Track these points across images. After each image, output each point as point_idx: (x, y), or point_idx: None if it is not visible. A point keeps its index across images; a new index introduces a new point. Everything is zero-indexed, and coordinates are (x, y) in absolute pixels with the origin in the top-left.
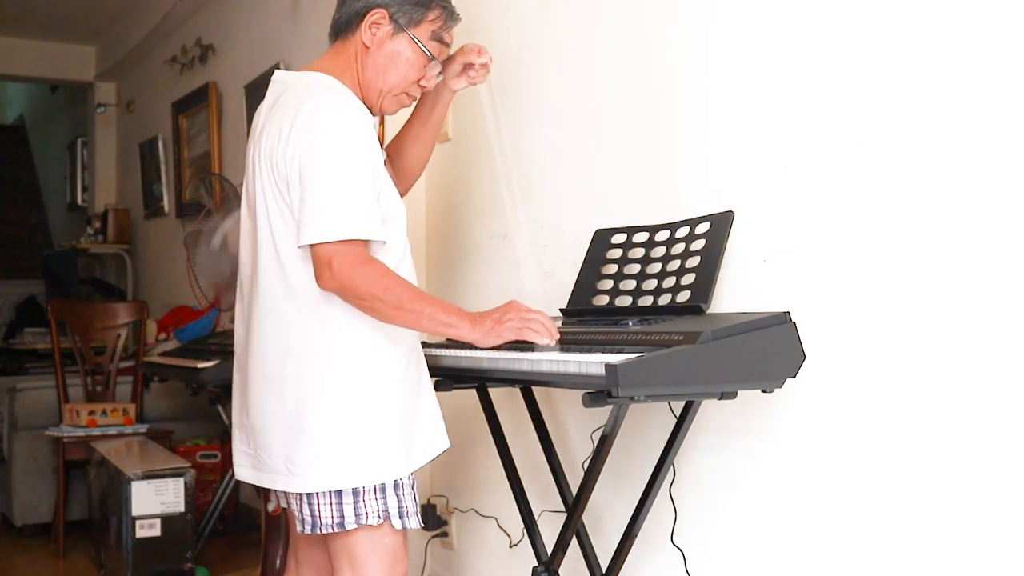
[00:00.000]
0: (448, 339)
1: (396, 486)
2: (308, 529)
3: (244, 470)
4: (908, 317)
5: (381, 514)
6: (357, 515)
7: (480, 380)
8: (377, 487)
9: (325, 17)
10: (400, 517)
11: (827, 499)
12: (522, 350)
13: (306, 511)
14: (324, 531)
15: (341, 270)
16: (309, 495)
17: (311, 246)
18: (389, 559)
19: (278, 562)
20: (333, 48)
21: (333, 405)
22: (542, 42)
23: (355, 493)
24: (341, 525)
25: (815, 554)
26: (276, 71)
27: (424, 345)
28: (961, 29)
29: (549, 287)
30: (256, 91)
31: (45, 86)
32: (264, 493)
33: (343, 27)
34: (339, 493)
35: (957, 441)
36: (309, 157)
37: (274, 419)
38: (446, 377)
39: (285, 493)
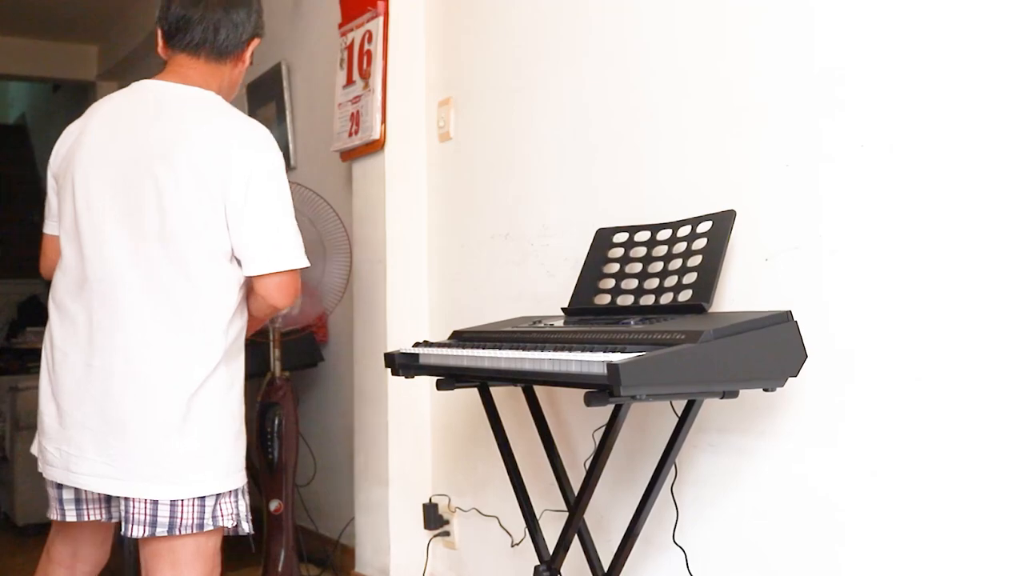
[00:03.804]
0: (449, 338)
1: (243, 492)
2: (163, 531)
3: (92, 479)
4: (910, 315)
5: (234, 517)
6: (214, 517)
7: (482, 379)
8: (232, 492)
9: (326, 17)
10: (246, 521)
11: (829, 498)
12: (525, 349)
13: (164, 514)
14: (183, 531)
15: (294, 289)
16: (173, 500)
17: (272, 271)
18: (212, 562)
19: (280, 562)
20: (207, 67)
21: (210, 415)
22: (545, 41)
23: (217, 497)
24: (200, 527)
25: (817, 553)
26: (141, 81)
27: (426, 344)
28: (962, 29)
29: (551, 286)
30: (258, 91)
31: (47, 86)
32: (267, 493)
33: (227, 51)
34: (203, 498)
35: (959, 439)
36: (260, 183)
37: (153, 427)
38: (448, 376)
39: (125, 499)
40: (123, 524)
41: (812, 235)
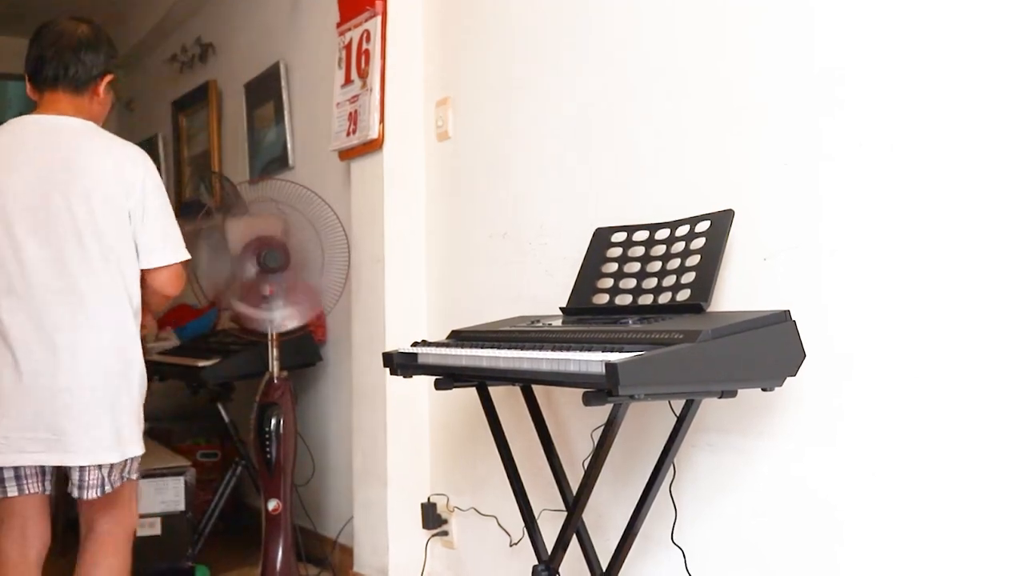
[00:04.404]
0: (447, 338)
1: None
2: (109, 489)
3: (40, 455)
4: (908, 315)
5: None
6: (136, 471)
7: (480, 379)
8: None
9: (324, 16)
10: None
11: (828, 498)
12: (523, 348)
13: (111, 480)
14: (116, 484)
15: (183, 279)
16: (124, 461)
17: (168, 263)
18: (135, 502)
19: (278, 562)
20: (70, 99)
21: (134, 390)
22: (543, 41)
23: (135, 457)
24: (124, 478)
25: (815, 553)
26: (19, 118)
27: (424, 344)
28: (962, 29)
29: (549, 286)
30: (256, 89)
31: None
32: (265, 493)
33: (82, 84)
34: (134, 457)
35: (958, 439)
36: (151, 192)
37: (100, 405)
38: (446, 376)
39: (80, 468)
40: (77, 490)
41: (811, 235)
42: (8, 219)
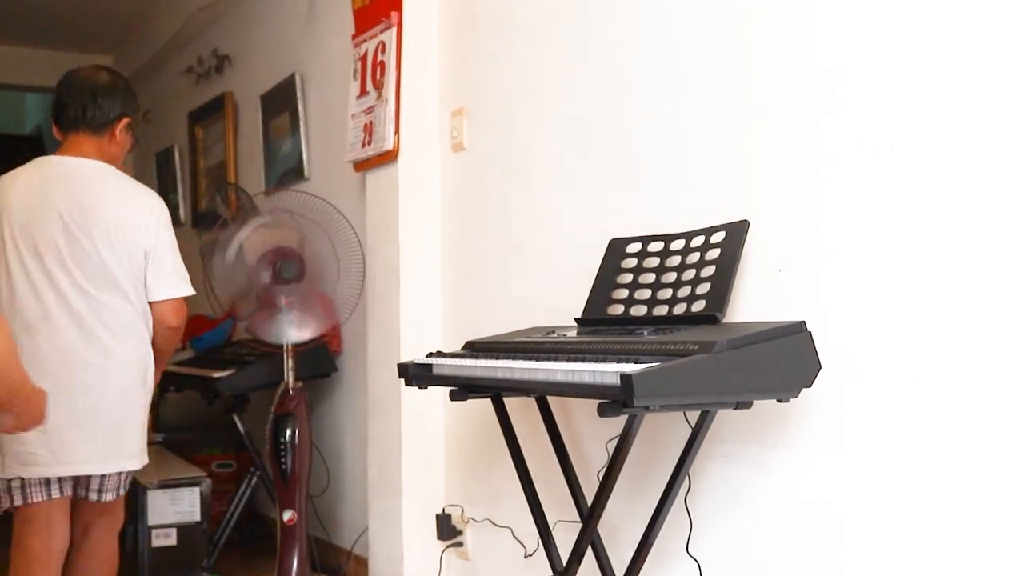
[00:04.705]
0: (462, 348)
1: None
2: (122, 492)
3: (84, 465)
4: (924, 326)
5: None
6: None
7: (495, 390)
8: None
9: (339, 28)
10: None
11: (842, 509)
12: (538, 359)
13: (124, 484)
14: (122, 492)
15: (183, 313)
16: (131, 470)
17: (172, 296)
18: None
19: (293, 572)
20: (90, 141)
21: (147, 404)
22: (556, 50)
23: None
24: (128, 485)
25: (830, 565)
26: (44, 157)
27: (439, 355)
28: (962, 27)
29: (564, 296)
30: (272, 101)
31: None
32: (280, 503)
33: (100, 127)
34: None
35: (974, 450)
36: (163, 231)
37: (137, 416)
38: (461, 387)
39: (103, 475)
40: (96, 494)
41: (826, 245)
42: (39, 252)
